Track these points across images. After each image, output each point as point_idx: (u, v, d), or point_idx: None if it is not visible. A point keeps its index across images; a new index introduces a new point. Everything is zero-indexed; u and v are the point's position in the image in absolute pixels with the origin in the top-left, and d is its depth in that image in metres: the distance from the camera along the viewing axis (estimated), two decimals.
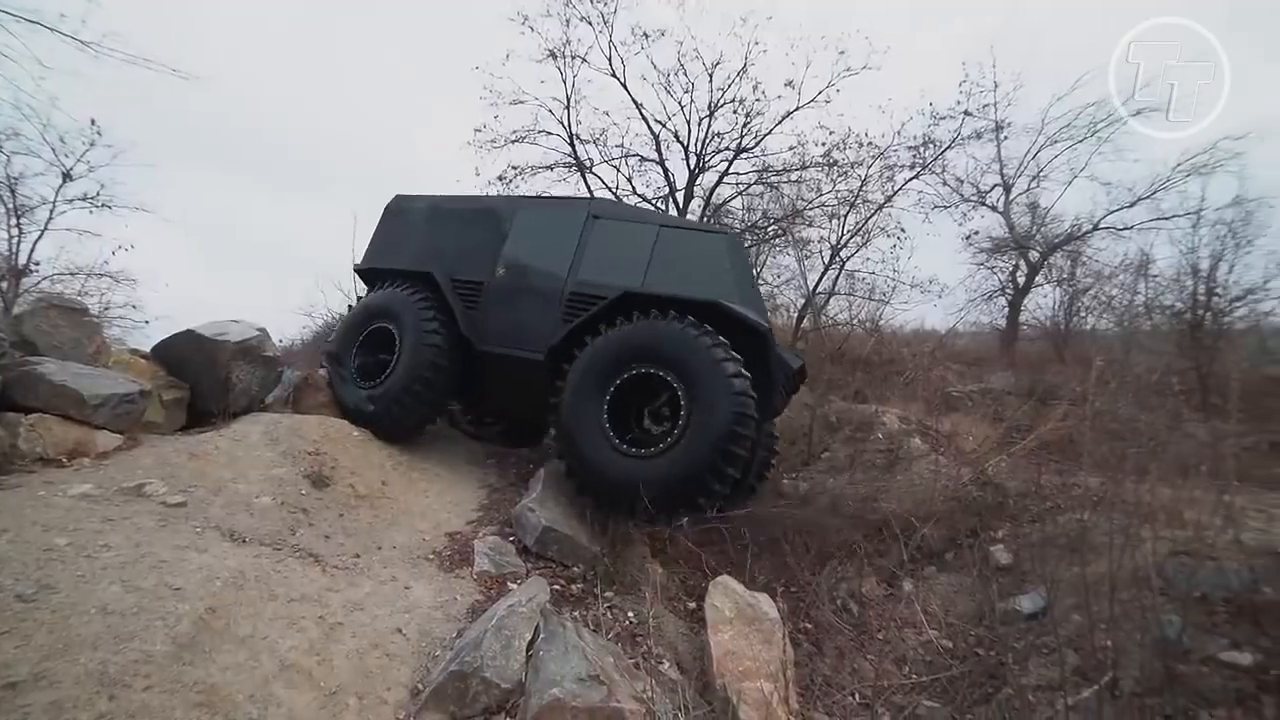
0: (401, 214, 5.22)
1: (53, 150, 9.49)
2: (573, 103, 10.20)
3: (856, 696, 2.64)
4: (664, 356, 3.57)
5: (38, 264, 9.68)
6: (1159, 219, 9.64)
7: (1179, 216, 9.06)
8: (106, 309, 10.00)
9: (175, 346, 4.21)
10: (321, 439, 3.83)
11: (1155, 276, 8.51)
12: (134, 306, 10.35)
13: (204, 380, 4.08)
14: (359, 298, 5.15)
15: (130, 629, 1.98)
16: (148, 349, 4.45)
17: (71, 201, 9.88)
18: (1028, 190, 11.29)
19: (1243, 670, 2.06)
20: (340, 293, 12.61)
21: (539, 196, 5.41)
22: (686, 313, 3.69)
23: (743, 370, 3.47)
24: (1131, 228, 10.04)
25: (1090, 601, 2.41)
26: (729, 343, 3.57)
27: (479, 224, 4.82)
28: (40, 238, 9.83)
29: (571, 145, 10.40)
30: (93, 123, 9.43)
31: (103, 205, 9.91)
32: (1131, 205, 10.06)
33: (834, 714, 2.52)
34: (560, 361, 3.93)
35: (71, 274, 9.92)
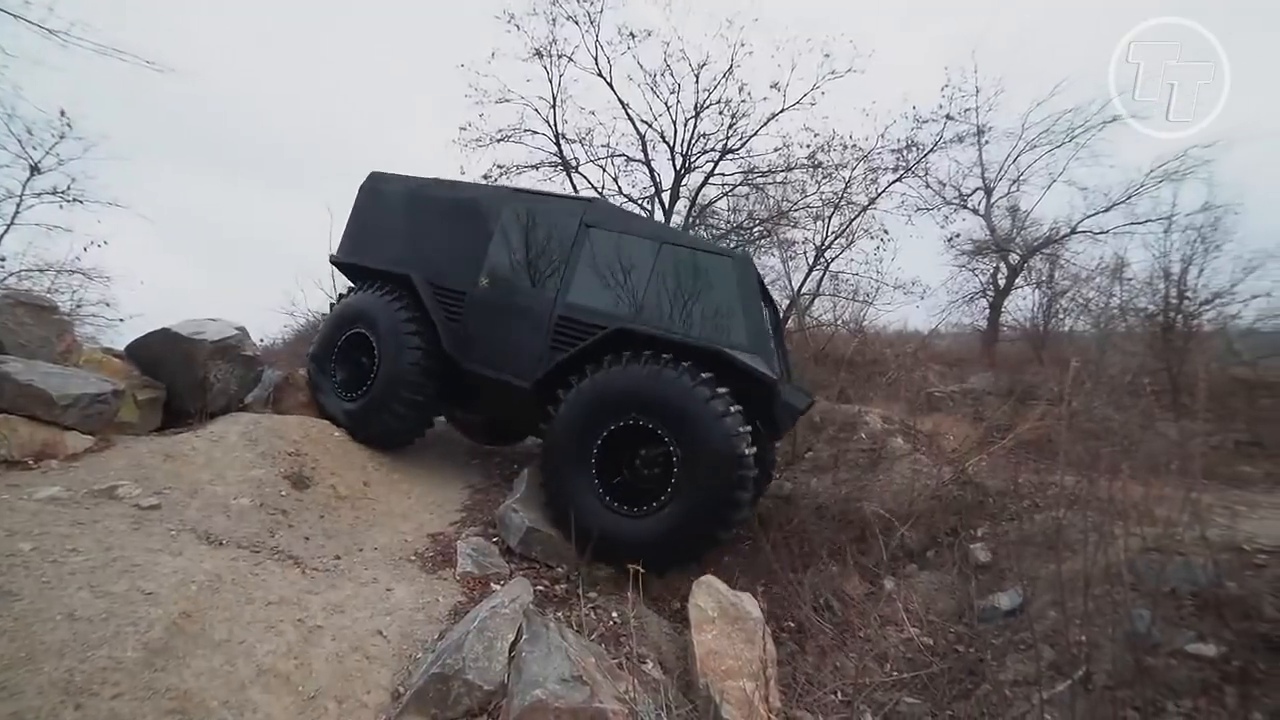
0: (378, 197, 4.77)
1: (19, 142, 9.17)
2: (559, 102, 10.19)
3: (838, 694, 2.67)
4: (656, 408, 3.26)
5: (3, 260, 9.35)
6: (1133, 224, 9.89)
7: (1152, 221, 9.31)
8: (78, 307, 9.67)
9: (150, 345, 4.12)
10: (302, 439, 3.77)
11: (1130, 280, 8.73)
12: (107, 304, 10.02)
13: (180, 380, 3.99)
14: (340, 295, 4.84)
15: (99, 635, 1.92)
16: (121, 348, 4.36)
17: (40, 195, 9.57)
18: (1008, 194, 11.51)
19: (1207, 661, 2.13)
20: (321, 291, 12.42)
21: (529, 191, 4.74)
22: (684, 357, 3.35)
23: (743, 428, 3.21)
24: (1107, 232, 10.29)
25: (1065, 598, 2.46)
26: (730, 391, 3.26)
27: (462, 219, 4.40)
28: (6, 232, 9.51)
29: (557, 144, 10.39)
30: (62, 114, 9.14)
31: (73, 200, 9.61)
32: (1107, 210, 10.31)
33: (816, 711, 2.54)
34: (548, 391, 3.67)
35: (40, 270, 9.58)
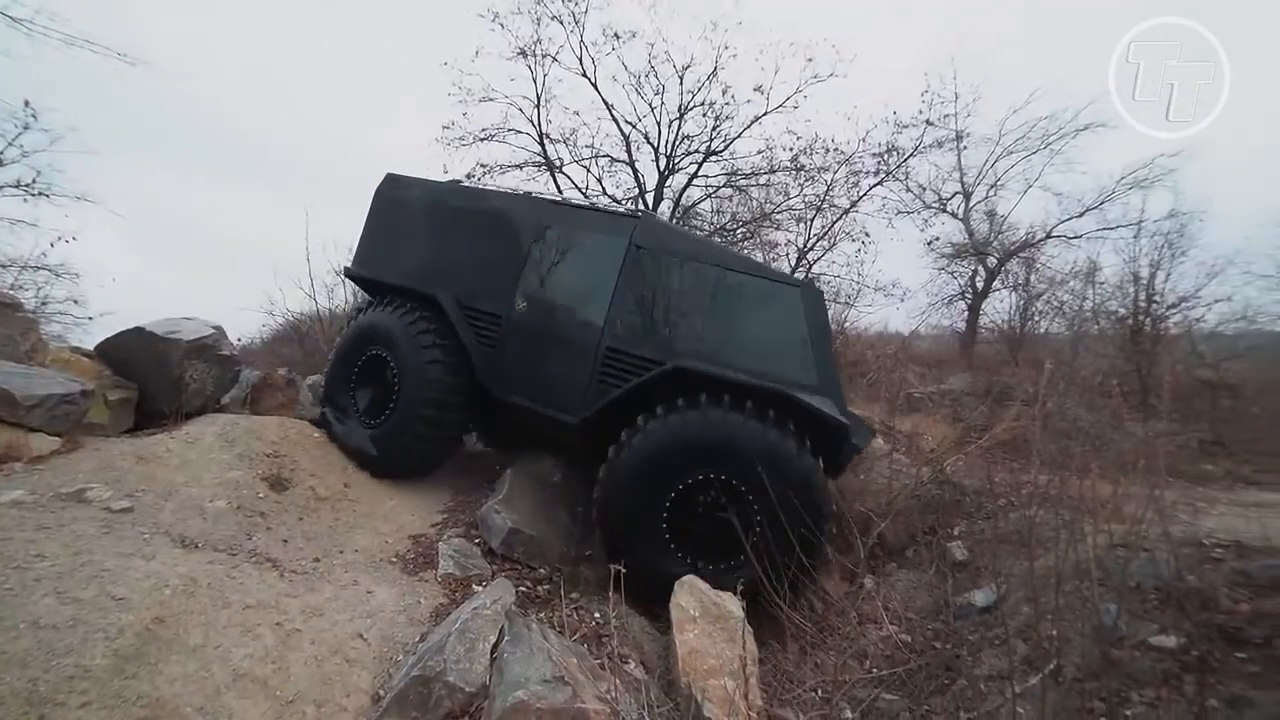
0: (397, 205, 4.34)
1: None
2: (543, 102, 10.16)
3: (818, 691, 2.70)
4: (732, 461, 3.02)
5: None
6: (1105, 229, 10.17)
7: (1122, 227, 9.58)
8: (44, 304, 9.34)
9: (122, 344, 4.03)
10: (281, 440, 3.71)
11: (1102, 283, 8.98)
12: (75, 302, 9.70)
13: (154, 380, 3.91)
14: (355, 311, 4.41)
15: (66, 643, 1.88)
16: (91, 347, 4.24)
17: (2, 189, 9.27)
18: (986, 198, 11.75)
19: (1168, 652, 2.21)
20: (300, 290, 12.20)
21: (569, 204, 4.31)
22: (749, 399, 3.11)
23: (823, 479, 3.09)
24: (1081, 236, 10.57)
25: (1037, 594, 2.53)
26: (802, 434, 3.09)
27: (495, 234, 4.00)
28: None
29: (541, 144, 10.37)
30: (26, 104, 8.84)
31: (39, 193, 9.30)
32: (1080, 215, 10.58)
33: (796, 708, 2.57)
34: (598, 428, 3.42)
35: (3, 266, 9.25)
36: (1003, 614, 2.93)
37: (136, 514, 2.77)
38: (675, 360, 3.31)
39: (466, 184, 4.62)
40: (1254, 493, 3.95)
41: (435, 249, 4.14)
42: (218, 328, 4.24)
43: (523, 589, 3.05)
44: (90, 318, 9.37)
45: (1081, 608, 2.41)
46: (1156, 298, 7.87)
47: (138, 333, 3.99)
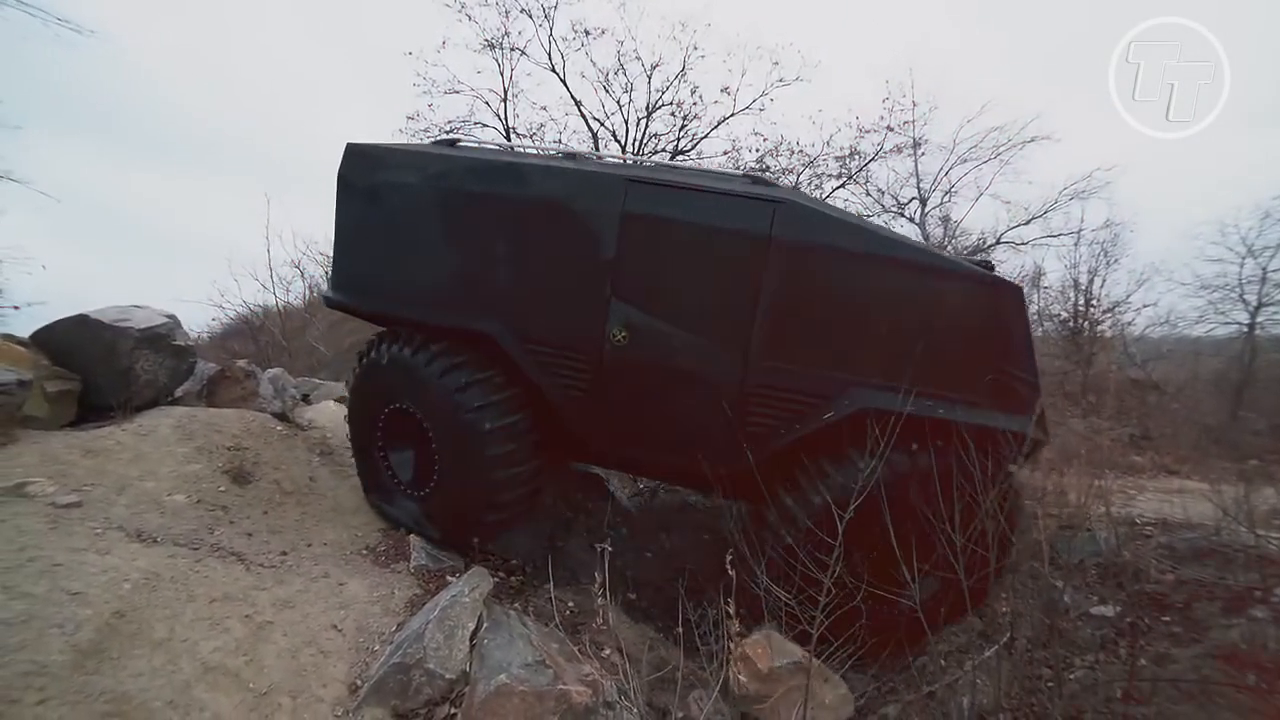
0: (380, 195, 3.08)
1: None
2: (510, 95, 10.07)
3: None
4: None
5: None
6: (1049, 236, 10.80)
7: (1064, 235, 10.21)
8: None
9: (62, 333, 3.78)
10: (242, 433, 3.57)
11: (1047, 288, 9.54)
12: None
13: (100, 371, 3.69)
14: (365, 348, 3.32)
15: (19, 639, 1.79)
16: (22, 335, 3.97)
17: None
18: (941, 204, 12.26)
19: (1106, 621, 2.41)
20: (256, 281, 11.71)
21: (661, 177, 2.92)
22: (960, 438, 2.40)
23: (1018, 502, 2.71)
24: (1027, 243, 11.17)
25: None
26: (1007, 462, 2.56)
27: (556, 235, 2.84)
28: None
29: (508, 138, 10.27)
30: None
31: None
32: (1027, 223, 11.19)
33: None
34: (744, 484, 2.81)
35: None
36: None
37: (87, 509, 2.63)
38: (855, 400, 2.61)
39: (464, 143, 3.37)
40: (1174, 481, 4.31)
41: (463, 261, 2.96)
42: (171, 316, 4.03)
43: (497, 579, 3.04)
44: (16, 307, 8.70)
45: (1033, 584, 2.59)
46: (1094, 302, 8.43)
47: (82, 320, 3.75)
